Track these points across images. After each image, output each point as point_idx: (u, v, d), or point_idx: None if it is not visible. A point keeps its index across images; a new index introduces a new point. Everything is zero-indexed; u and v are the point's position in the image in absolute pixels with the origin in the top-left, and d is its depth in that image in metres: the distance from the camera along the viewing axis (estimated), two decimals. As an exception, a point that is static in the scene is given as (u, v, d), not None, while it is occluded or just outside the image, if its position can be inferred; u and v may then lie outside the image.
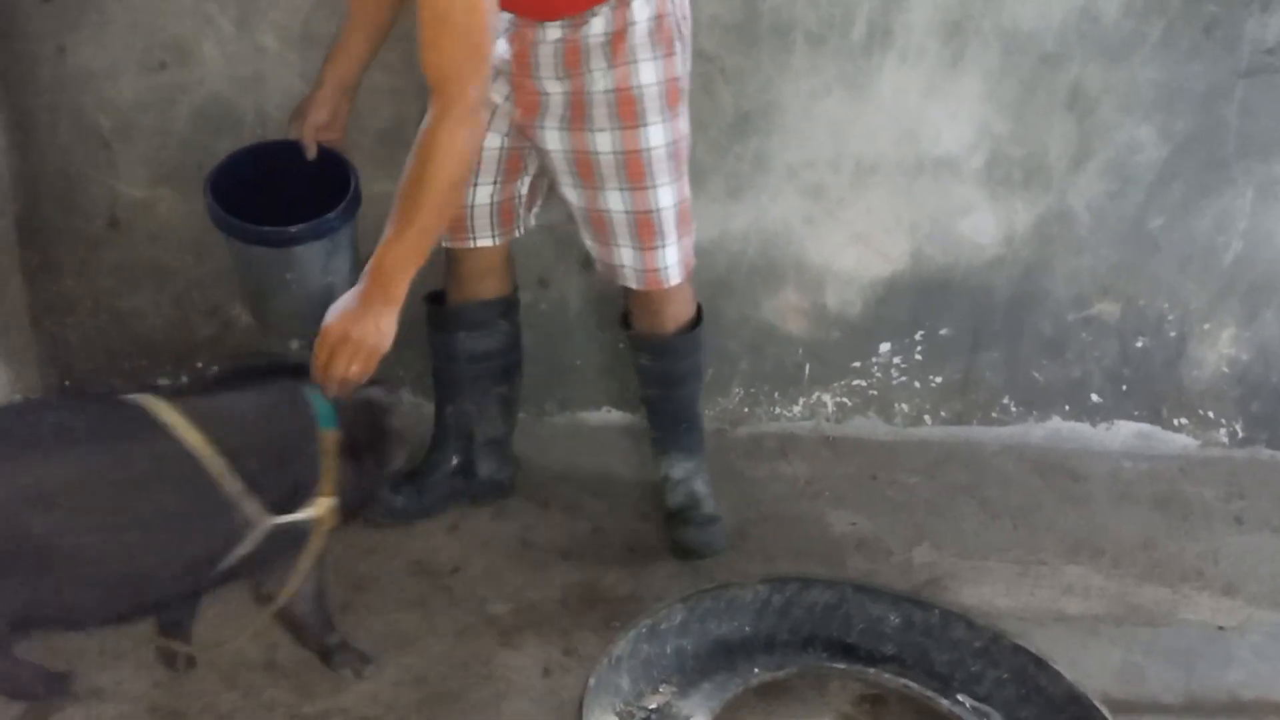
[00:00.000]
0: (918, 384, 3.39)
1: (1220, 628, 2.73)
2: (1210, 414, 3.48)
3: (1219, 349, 3.42)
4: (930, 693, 2.32)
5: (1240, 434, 3.49)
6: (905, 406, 3.41)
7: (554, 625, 2.49)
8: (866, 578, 2.74)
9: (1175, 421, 3.49)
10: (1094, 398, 3.45)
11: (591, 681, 2.16)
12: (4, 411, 2.25)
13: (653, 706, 2.26)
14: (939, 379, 3.39)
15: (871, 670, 2.37)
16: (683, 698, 2.26)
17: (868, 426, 3.42)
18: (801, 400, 3.40)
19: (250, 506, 1.94)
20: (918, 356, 3.36)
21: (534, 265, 3.18)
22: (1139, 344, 3.39)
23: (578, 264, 3.19)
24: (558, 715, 2.25)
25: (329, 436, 2.07)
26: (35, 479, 1.81)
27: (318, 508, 2.03)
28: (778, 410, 3.40)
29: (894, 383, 3.39)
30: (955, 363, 3.38)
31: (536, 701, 2.28)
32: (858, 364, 3.37)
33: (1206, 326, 3.38)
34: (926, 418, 3.43)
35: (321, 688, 2.25)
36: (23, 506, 1.79)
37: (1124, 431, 3.49)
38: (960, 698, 2.35)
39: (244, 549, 1.95)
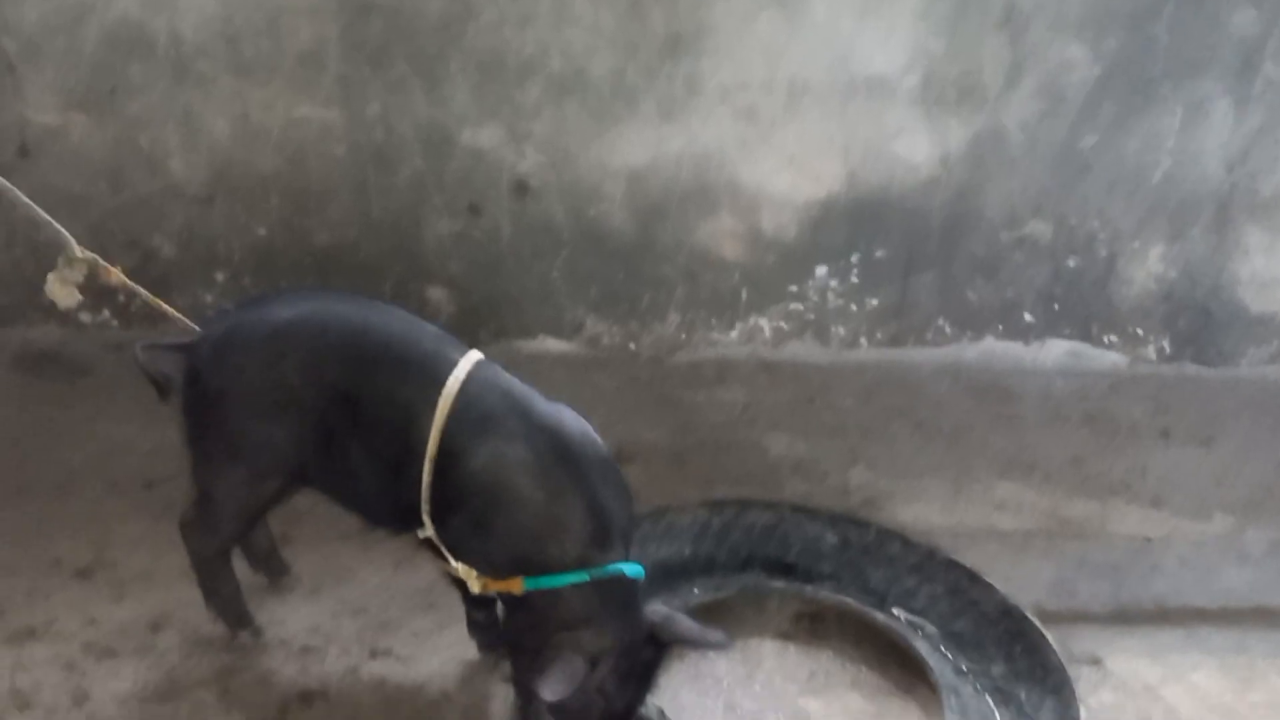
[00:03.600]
0: (854, 307, 3.40)
1: (1147, 539, 2.80)
2: (1139, 331, 3.54)
3: (1147, 267, 3.47)
4: (866, 608, 2.35)
5: (1167, 350, 3.56)
6: (841, 330, 3.43)
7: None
8: (804, 499, 2.76)
9: (1105, 339, 3.55)
10: (1026, 317, 3.49)
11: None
12: None
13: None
14: (874, 302, 3.40)
15: (809, 588, 2.40)
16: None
17: (804, 351, 3.43)
18: (738, 326, 3.40)
19: None
20: (853, 280, 3.37)
21: (464, 193, 3.12)
22: (1070, 263, 3.43)
23: (509, 190, 3.13)
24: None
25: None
26: None
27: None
28: (715, 336, 3.40)
29: (830, 306, 3.40)
30: (890, 286, 3.39)
31: (477, 629, 2.27)
32: (794, 288, 3.36)
33: (1135, 245, 3.42)
34: (862, 340, 3.45)
35: (257, 618, 2.22)
36: None
37: (1055, 350, 3.54)
38: (896, 612, 2.39)
39: None
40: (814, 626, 2.37)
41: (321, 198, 3.08)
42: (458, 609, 2.31)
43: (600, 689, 1.83)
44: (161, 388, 2.03)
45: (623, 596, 1.85)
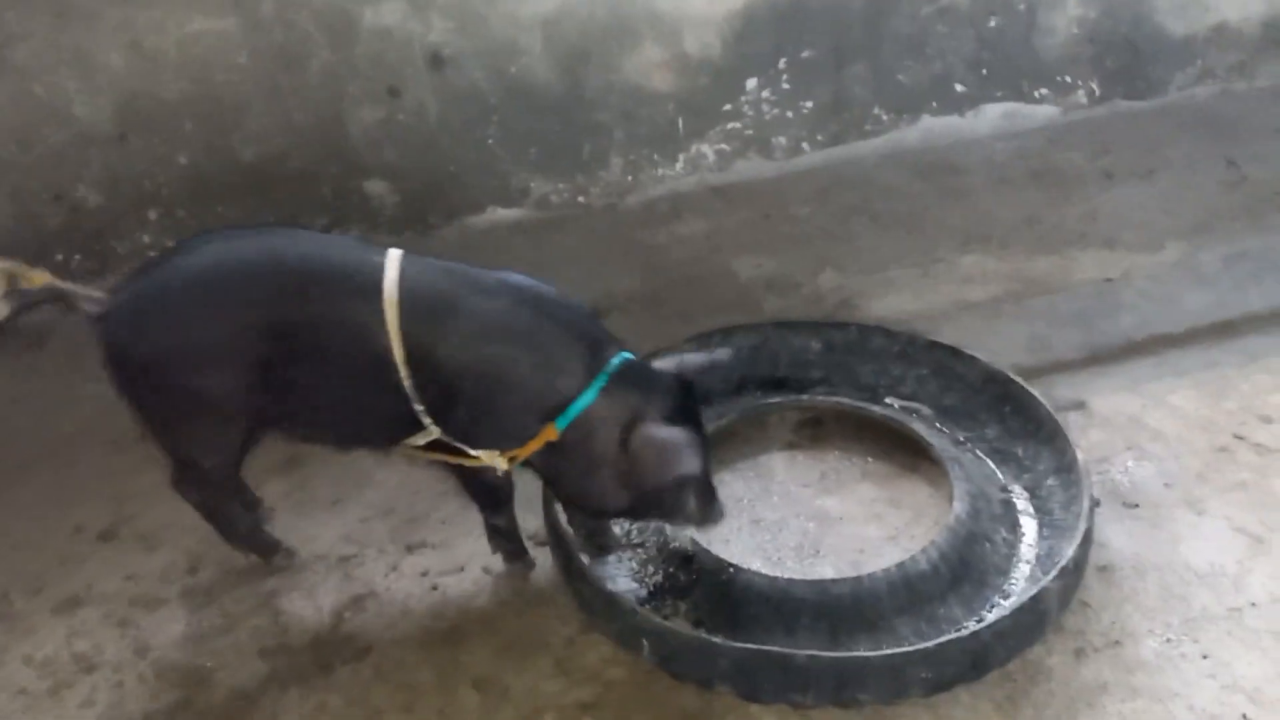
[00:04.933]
0: (790, 114, 3.40)
1: (1108, 280, 2.90)
2: (1068, 79, 3.57)
3: (1067, 11, 3.47)
4: (861, 404, 2.45)
5: (1098, 92, 3.61)
6: (783, 140, 3.43)
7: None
8: (782, 314, 2.83)
9: (1036, 94, 3.58)
10: (958, 88, 3.50)
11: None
12: None
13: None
14: (809, 104, 3.40)
15: (804, 397, 2.49)
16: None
17: (751, 168, 3.44)
18: (681, 156, 3.39)
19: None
20: (785, 86, 3.35)
21: (380, 76, 3.03)
22: (992, 24, 3.42)
23: (424, 64, 3.05)
24: (523, 509, 2.31)
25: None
26: None
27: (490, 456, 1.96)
28: (660, 172, 3.39)
29: (767, 118, 3.39)
30: (823, 84, 3.38)
31: (501, 503, 2.35)
32: (728, 107, 3.34)
33: (1053, -7, 3.42)
34: (805, 145, 3.46)
35: (289, 539, 2.28)
36: None
37: (990, 115, 3.57)
38: (889, 401, 2.50)
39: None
40: (816, 431, 2.47)
41: (236, 112, 2.99)
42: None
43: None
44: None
45: (642, 372, 1.95)
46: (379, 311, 1.84)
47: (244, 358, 1.89)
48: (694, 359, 2.05)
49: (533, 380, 1.89)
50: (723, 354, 2.19)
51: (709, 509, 1.97)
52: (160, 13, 2.81)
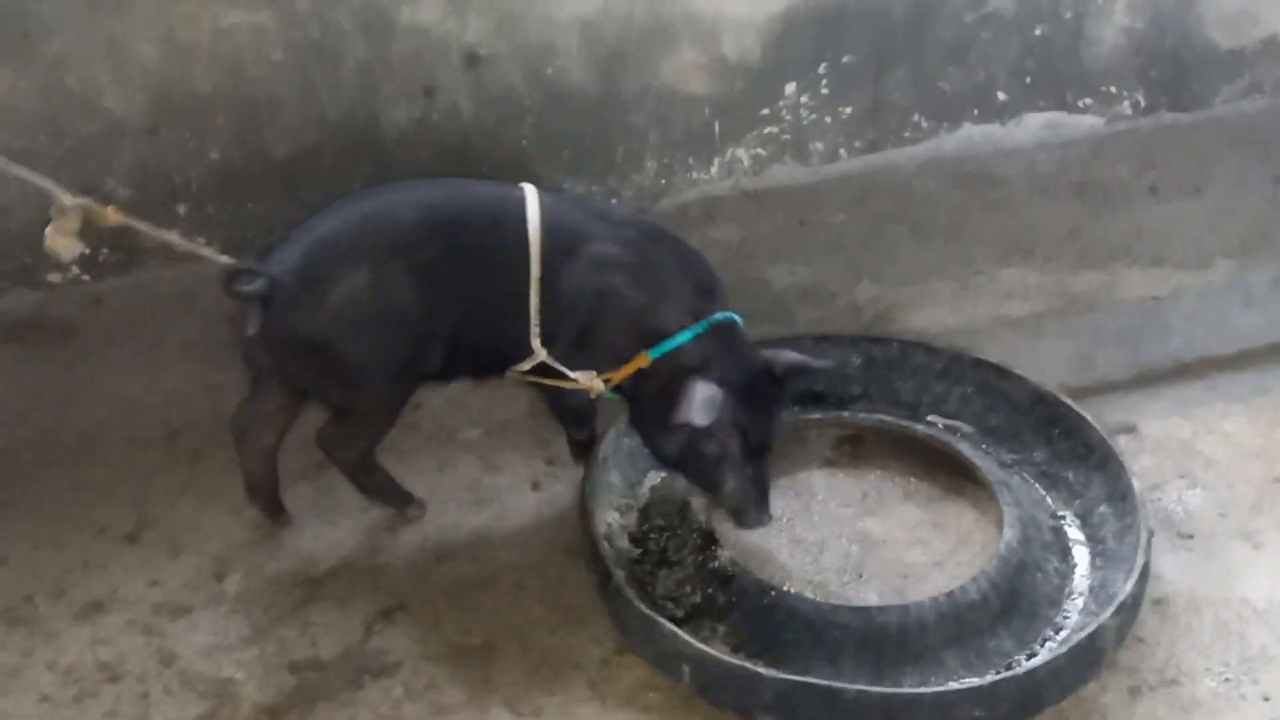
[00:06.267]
0: (828, 119, 3.33)
1: (1155, 298, 2.84)
2: (1113, 89, 3.49)
3: (1114, 21, 3.39)
4: (902, 421, 2.39)
5: (1143, 104, 3.52)
6: (820, 145, 3.36)
7: (530, 439, 2.49)
8: (817, 325, 2.77)
9: (1080, 104, 3.50)
10: (1000, 96, 3.43)
11: (586, 487, 2.18)
12: None
13: (646, 493, 2.31)
14: (849, 110, 3.32)
15: (845, 413, 2.43)
16: (674, 478, 2.29)
17: (786, 173, 3.37)
18: (716, 160, 3.32)
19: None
20: (824, 91, 3.28)
21: (415, 75, 2.98)
22: (1038, 32, 3.35)
23: (460, 64, 2.99)
24: (556, 523, 2.28)
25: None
26: None
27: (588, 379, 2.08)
28: (694, 175, 3.32)
29: (805, 123, 3.32)
30: (862, 90, 3.30)
31: (533, 514, 2.31)
32: (766, 111, 3.27)
33: (1100, 0, 3.34)
34: (842, 152, 3.39)
35: (318, 551, 2.24)
36: None
37: (1033, 124, 3.49)
38: (931, 419, 2.44)
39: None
40: (856, 449, 2.41)
41: (270, 108, 2.93)
42: (510, 500, 2.35)
43: (735, 422, 2.00)
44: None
45: (737, 338, 2.08)
46: (523, 236, 2.01)
47: (420, 307, 2.01)
48: (792, 357, 2.12)
49: (639, 305, 2.05)
50: (825, 363, 2.25)
51: (746, 501, 2.05)
52: (195, 5, 2.75)
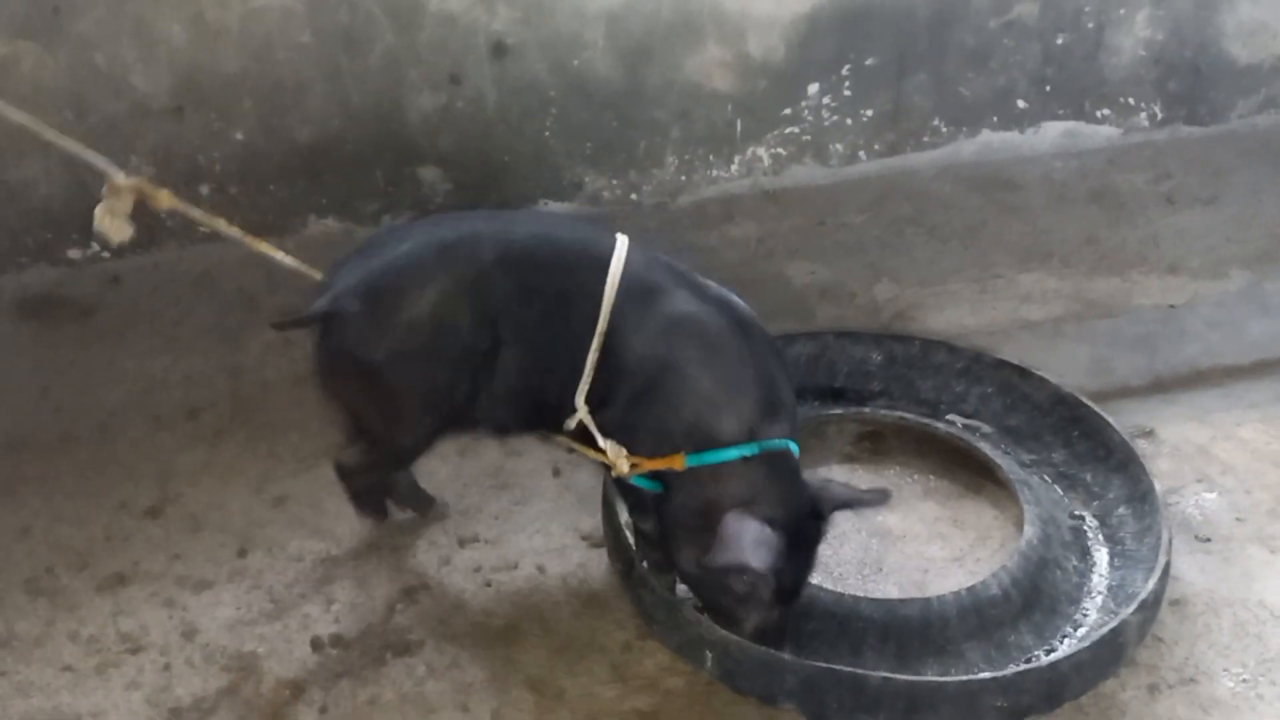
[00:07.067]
0: (849, 121, 3.35)
1: (1172, 306, 2.85)
2: (1130, 100, 3.52)
3: (1135, 33, 3.43)
4: (923, 419, 2.40)
5: (1160, 115, 3.56)
6: (840, 146, 3.38)
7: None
8: (837, 323, 2.78)
9: (1098, 114, 3.53)
10: (1020, 104, 3.46)
11: (610, 473, 2.18)
12: None
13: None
14: (870, 112, 3.35)
15: (865, 410, 2.44)
16: (692, 468, 2.29)
17: (806, 174, 3.39)
18: (737, 159, 3.34)
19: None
20: (846, 92, 3.30)
21: (442, 63, 2.99)
22: (1059, 41, 3.38)
23: (487, 53, 3.01)
24: (578, 508, 2.28)
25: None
26: None
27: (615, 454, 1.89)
28: (715, 173, 3.34)
29: (826, 124, 3.34)
30: (884, 93, 3.33)
31: (555, 500, 2.31)
32: (788, 111, 3.30)
33: (1122, 11, 3.37)
34: (861, 154, 3.41)
35: (340, 530, 2.24)
36: None
37: (1051, 132, 3.52)
38: (951, 418, 2.45)
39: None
40: (875, 445, 2.42)
41: (296, 92, 2.95)
42: (532, 485, 2.36)
43: (773, 565, 1.76)
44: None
45: (789, 470, 1.84)
46: (599, 286, 1.83)
47: (480, 344, 1.87)
48: (839, 495, 1.88)
49: (698, 393, 1.82)
50: (876, 500, 1.96)
51: (761, 642, 1.84)
52: (225, -14, 2.77)
